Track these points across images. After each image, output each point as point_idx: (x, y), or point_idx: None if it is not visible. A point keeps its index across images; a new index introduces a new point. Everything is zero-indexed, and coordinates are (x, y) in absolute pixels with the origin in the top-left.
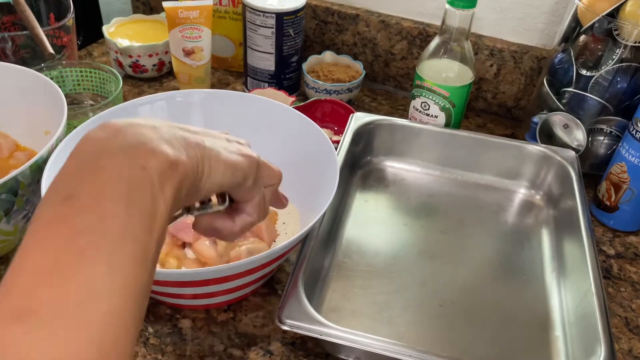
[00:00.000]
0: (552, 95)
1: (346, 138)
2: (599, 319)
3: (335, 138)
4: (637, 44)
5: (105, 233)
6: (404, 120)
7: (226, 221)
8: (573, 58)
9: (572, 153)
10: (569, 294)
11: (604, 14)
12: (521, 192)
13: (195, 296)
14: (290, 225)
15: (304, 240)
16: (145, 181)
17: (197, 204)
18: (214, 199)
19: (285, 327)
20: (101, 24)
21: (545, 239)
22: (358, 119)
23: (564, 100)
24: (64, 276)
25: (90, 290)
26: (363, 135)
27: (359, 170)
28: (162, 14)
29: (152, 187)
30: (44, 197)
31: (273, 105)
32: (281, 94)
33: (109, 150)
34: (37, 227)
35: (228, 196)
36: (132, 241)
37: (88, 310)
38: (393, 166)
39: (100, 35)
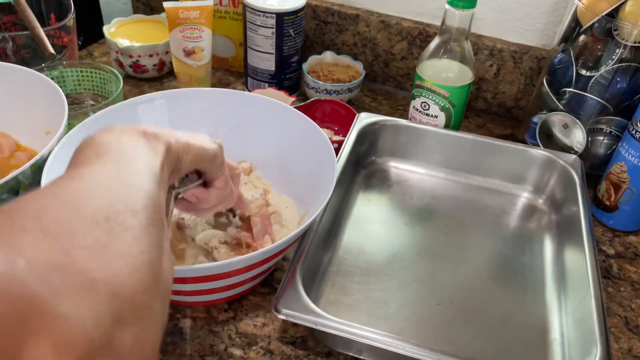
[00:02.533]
0: (551, 95)
1: (351, 138)
2: (596, 320)
3: (336, 138)
4: (636, 44)
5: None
6: (409, 121)
7: (203, 192)
8: (573, 58)
9: (576, 157)
10: (568, 298)
11: (603, 14)
12: (524, 196)
13: (194, 292)
14: (289, 222)
15: (303, 235)
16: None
17: (177, 183)
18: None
19: (281, 317)
20: (102, 24)
21: (547, 243)
22: (363, 119)
23: (564, 101)
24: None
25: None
26: (367, 136)
27: (362, 169)
28: (163, 14)
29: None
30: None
31: (273, 105)
32: (281, 94)
33: (124, 138)
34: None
35: (201, 177)
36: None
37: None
38: (397, 167)
39: (100, 36)
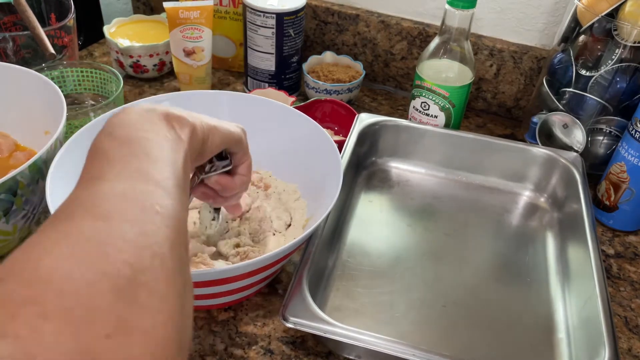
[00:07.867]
0: (551, 95)
1: (351, 139)
2: (603, 321)
3: (336, 138)
4: (636, 44)
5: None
6: (409, 121)
7: (228, 178)
8: (572, 58)
9: (577, 155)
10: (573, 296)
11: (603, 14)
12: (526, 195)
13: (197, 297)
14: (295, 225)
15: (309, 239)
16: (179, 143)
17: (207, 167)
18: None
19: (289, 325)
20: (102, 24)
21: (550, 241)
22: (363, 120)
23: (564, 101)
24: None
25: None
26: (368, 136)
27: (363, 170)
28: (163, 14)
29: (183, 147)
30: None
31: (275, 106)
32: (281, 94)
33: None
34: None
35: (228, 158)
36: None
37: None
38: (398, 167)
39: (101, 36)
